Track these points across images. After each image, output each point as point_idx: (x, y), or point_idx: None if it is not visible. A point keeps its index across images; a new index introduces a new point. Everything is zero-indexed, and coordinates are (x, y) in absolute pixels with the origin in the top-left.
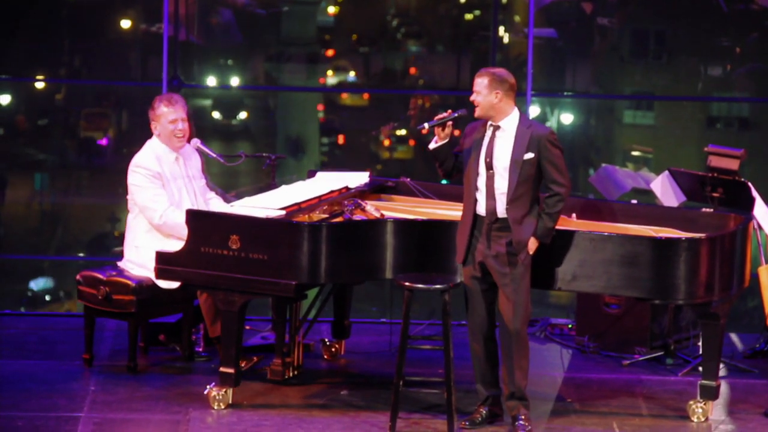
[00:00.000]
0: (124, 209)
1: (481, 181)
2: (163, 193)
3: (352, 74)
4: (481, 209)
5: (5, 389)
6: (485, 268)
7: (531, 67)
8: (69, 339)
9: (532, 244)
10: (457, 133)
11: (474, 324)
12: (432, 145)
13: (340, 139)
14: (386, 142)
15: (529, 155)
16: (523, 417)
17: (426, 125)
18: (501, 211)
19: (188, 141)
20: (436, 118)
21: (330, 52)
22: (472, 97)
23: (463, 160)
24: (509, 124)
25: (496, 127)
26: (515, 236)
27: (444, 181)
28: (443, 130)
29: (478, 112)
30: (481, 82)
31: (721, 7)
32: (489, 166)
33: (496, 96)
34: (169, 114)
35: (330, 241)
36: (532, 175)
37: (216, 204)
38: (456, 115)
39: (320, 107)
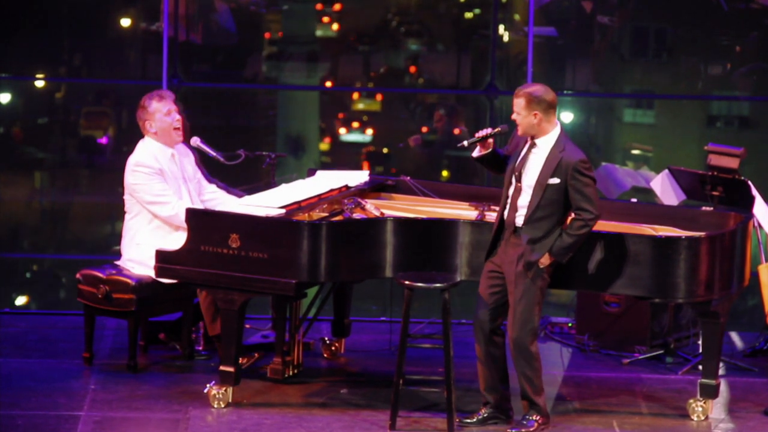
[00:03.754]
0: (123, 208)
1: (510, 191)
2: (168, 187)
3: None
4: (505, 216)
5: (5, 388)
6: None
7: (531, 65)
8: (69, 337)
9: (545, 259)
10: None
11: (474, 323)
12: (475, 154)
13: (328, 84)
14: (355, 95)
15: (555, 180)
16: (532, 418)
17: (465, 143)
18: (519, 222)
19: (187, 139)
20: (477, 135)
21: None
22: (513, 116)
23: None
24: (545, 143)
25: (533, 144)
26: (525, 256)
27: (444, 172)
28: (483, 144)
29: (520, 131)
30: (518, 103)
31: (721, 5)
32: (518, 179)
33: (535, 117)
34: (162, 107)
35: (330, 239)
36: (557, 201)
37: (221, 197)
38: (495, 131)
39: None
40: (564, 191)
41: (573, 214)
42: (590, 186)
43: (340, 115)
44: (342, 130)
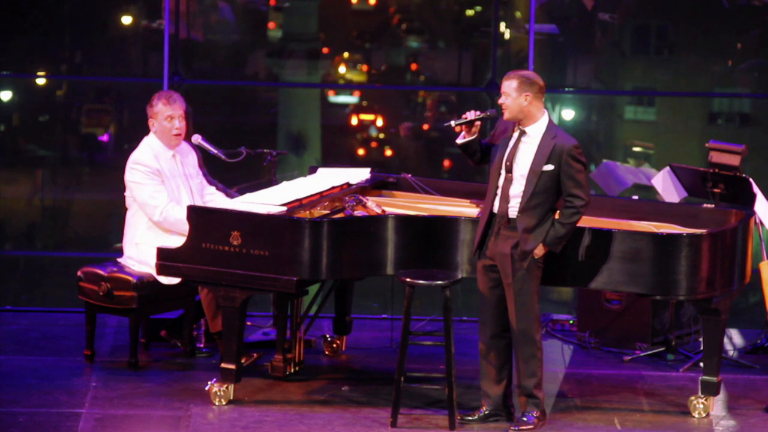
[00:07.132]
0: (124, 205)
1: (500, 182)
2: (163, 190)
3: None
4: (496, 208)
5: (7, 385)
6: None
7: (532, 63)
8: (70, 335)
9: (539, 250)
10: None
11: (481, 320)
12: (459, 141)
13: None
14: (342, 67)
15: (549, 167)
16: (530, 414)
17: (453, 123)
18: (512, 213)
19: (188, 138)
20: (463, 116)
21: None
22: (500, 100)
23: (491, 155)
24: (536, 131)
25: (522, 132)
26: (521, 245)
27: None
28: (470, 129)
29: (507, 115)
30: (509, 85)
31: (722, 3)
32: (508, 170)
33: (526, 99)
34: (166, 111)
35: (331, 236)
36: (550, 187)
37: (218, 199)
38: (483, 115)
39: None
40: (557, 178)
41: (563, 201)
42: (582, 172)
43: (329, 79)
44: (330, 93)
